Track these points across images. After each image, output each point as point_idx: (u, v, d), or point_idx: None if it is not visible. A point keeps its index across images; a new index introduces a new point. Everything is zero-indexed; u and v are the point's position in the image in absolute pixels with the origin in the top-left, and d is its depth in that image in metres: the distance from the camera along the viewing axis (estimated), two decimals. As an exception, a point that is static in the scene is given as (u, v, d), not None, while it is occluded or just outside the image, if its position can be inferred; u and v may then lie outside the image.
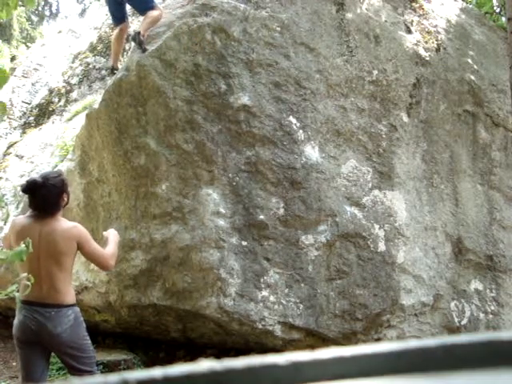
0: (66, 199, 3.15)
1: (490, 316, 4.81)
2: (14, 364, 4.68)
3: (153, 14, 5.02)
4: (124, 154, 4.24)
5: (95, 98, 5.52)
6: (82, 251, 3.09)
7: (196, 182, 4.07)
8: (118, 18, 5.46)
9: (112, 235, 3.28)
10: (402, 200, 4.52)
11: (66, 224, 3.10)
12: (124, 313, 4.56)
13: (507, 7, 4.11)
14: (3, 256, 2.11)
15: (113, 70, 5.53)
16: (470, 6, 6.41)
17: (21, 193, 3.27)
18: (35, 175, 3.81)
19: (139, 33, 4.52)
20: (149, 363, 4.69)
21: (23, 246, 2.07)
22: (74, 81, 6.86)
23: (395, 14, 4.96)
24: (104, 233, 3.36)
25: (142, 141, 4.15)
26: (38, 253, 2.84)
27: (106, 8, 5.97)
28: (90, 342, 3.17)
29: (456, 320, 4.62)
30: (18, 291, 2.50)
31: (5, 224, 3.21)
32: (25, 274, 2.36)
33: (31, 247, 2.10)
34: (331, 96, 4.42)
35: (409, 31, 4.92)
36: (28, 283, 2.32)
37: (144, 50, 4.41)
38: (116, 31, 5.51)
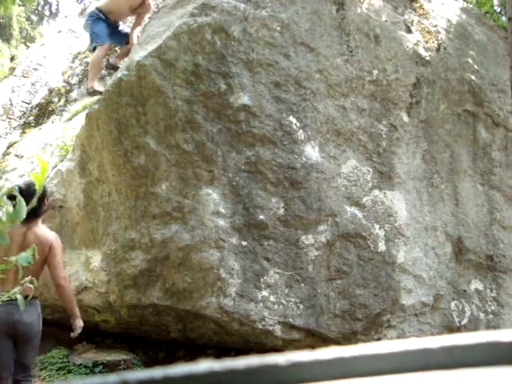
0: (46, 205, 3.60)
1: (491, 316, 4.81)
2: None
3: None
4: (124, 154, 4.24)
5: (95, 98, 5.52)
6: (48, 258, 3.46)
7: (196, 182, 4.07)
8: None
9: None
10: (402, 200, 4.52)
11: (45, 230, 3.56)
12: (124, 313, 4.56)
13: (507, 7, 4.11)
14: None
15: (94, 92, 5.62)
16: (471, 6, 6.41)
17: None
18: (19, 182, 4.08)
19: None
20: (149, 363, 4.69)
21: (29, 252, 2.14)
22: (74, 81, 6.86)
23: (395, 13, 4.95)
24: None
25: (142, 141, 4.15)
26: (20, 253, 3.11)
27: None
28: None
29: (456, 320, 4.62)
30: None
31: (5, 223, 3.25)
32: (28, 277, 2.42)
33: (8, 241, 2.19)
34: (331, 96, 4.42)
35: (409, 31, 4.91)
36: (31, 286, 2.37)
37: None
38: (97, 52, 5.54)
